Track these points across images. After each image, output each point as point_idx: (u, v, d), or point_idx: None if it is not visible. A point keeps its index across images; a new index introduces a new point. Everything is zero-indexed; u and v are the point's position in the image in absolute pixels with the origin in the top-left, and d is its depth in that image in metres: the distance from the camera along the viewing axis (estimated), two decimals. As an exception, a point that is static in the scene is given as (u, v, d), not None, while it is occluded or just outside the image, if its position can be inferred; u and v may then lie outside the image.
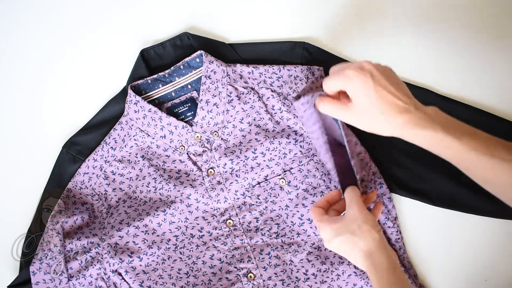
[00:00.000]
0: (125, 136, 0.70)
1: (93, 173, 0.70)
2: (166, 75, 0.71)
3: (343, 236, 0.52)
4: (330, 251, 0.66)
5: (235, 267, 0.67)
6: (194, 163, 0.69)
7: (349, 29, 0.74)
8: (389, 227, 0.67)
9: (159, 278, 0.67)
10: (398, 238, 0.67)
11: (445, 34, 0.72)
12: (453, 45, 0.72)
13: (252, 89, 0.69)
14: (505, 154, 0.43)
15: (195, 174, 0.68)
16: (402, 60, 0.71)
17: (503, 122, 0.68)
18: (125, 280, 0.66)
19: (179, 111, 0.72)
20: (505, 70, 0.71)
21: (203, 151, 0.68)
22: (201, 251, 0.67)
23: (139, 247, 0.67)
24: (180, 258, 0.67)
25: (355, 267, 0.65)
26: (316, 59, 0.71)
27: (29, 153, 0.75)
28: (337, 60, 0.71)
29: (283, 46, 0.71)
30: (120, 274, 0.66)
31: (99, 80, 0.76)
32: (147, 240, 0.67)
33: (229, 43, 0.73)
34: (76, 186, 0.70)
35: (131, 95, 0.68)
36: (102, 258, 0.67)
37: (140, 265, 0.67)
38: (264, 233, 0.67)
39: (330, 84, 0.50)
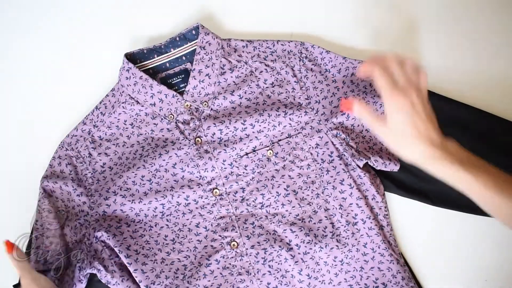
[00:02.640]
0: (115, 102, 0.71)
1: (81, 136, 0.70)
2: (162, 46, 0.72)
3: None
4: (314, 223, 0.67)
5: (220, 236, 0.67)
6: (182, 132, 0.69)
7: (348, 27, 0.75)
8: (377, 201, 0.67)
9: (146, 244, 0.67)
10: (386, 214, 0.67)
11: (446, 34, 0.72)
12: (453, 45, 0.72)
13: (246, 63, 0.70)
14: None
15: (180, 143, 0.69)
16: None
17: (503, 121, 0.68)
18: (106, 247, 0.67)
19: (173, 82, 0.73)
20: (506, 69, 0.71)
21: (190, 119, 0.69)
22: (187, 219, 0.68)
23: (127, 215, 0.68)
24: (167, 225, 0.68)
25: (337, 240, 0.66)
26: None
27: (29, 154, 0.75)
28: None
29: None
30: (103, 241, 0.67)
31: (98, 80, 0.75)
32: (134, 209, 0.68)
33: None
34: (63, 147, 0.70)
35: (124, 62, 0.69)
36: (89, 224, 0.68)
37: (128, 231, 0.68)
38: (250, 204, 0.67)
39: (371, 72, 0.54)
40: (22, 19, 0.77)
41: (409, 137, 0.51)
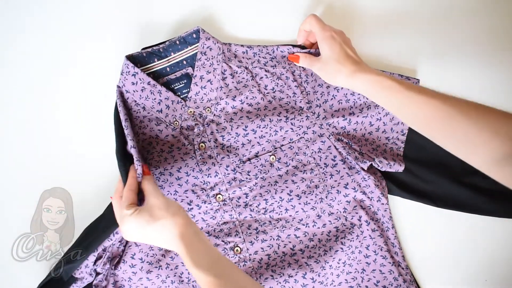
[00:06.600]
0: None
1: None
2: (161, 50, 0.71)
3: (152, 225, 0.53)
4: (318, 228, 0.67)
5: (223, 241, 0.67)
6: (186, 138, 0.69)
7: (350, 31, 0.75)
8: (382, 203, 0.68)
9: (150, 250, 0.67)
10: (391, 216, 0.68)
11: (446, 34, 0.73)
12: (454, 45, 0.73)
13: (246, 68, 0.70)
14: (430, 92, 0.54)
15: (186, 148, 0.69)
16: (401, 61, 0.72)
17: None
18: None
19: (175, 87, 0.72)
20: (506, 70, 0.72)
21: (195, 125, 0.69)
22: None
23: None
24: None
25: (342, 243, 0.66)
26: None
27: (28, 154, 0.74)
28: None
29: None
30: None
31: (96, 83, 0.75)
32: None
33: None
34: None
35: (129, 66, 0.67)
36: None
37: None
38: (253, 209, 0.67)
39: (307, 25, 0.65)
40: (19, 21, 0.76)
41: (338, 59, 0.61)
